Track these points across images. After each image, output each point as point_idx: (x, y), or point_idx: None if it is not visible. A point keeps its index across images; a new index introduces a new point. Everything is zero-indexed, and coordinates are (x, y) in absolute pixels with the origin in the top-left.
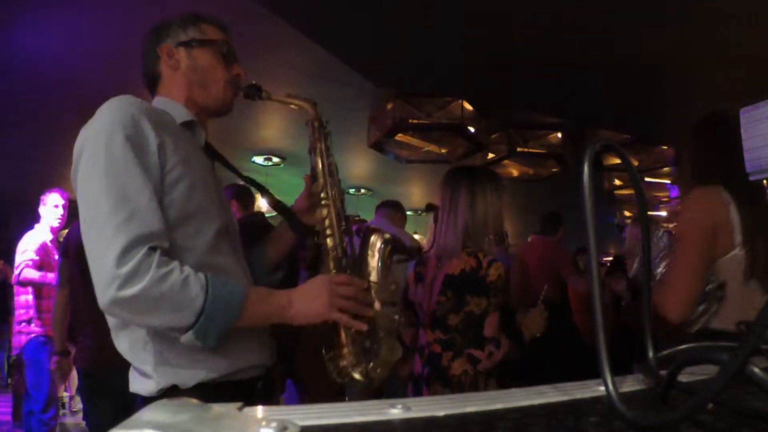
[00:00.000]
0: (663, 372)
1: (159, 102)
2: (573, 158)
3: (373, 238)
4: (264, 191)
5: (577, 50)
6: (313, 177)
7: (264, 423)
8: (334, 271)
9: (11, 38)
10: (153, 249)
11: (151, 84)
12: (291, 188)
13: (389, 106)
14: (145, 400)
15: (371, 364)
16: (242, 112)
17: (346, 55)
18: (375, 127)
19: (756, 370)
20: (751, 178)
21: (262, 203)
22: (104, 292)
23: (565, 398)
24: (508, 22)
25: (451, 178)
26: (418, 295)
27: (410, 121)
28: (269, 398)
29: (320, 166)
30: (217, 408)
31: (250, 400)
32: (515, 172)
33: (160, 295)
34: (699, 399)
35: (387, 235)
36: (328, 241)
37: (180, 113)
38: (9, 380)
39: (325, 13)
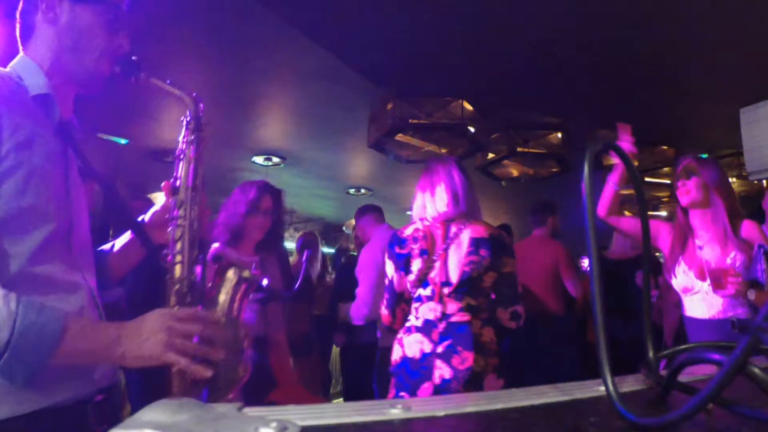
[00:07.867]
0: (663, 372)
1: (19, 64)
2: (573, 158)
3: (230, 273)
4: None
5: (577, 50)
6: (173, 189)
7: (264, 423)
8: (176, 306)
9: None
10: None
11: (23, 36)
12: (291, 188)
13: (389, 106)
14: None
15: None
16: (242, 113)
17: (346, 55)
18: (375, 127)
19: (756, 370)
20: (751, 178)
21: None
22: None
23: (565, 398)
24: (508, 22)
25: (441, 159)
26: (418, 270)
27: (410, 121)
28: (107, 420)
29: (184, 175)
30: (217, 408)
31: (82, 425)
32: (515, 172)
33: None
34: (699, 399)
35: (246, 273)
36: (176, 269)
37: (36, 83)
38: None
39: (324, 13)
